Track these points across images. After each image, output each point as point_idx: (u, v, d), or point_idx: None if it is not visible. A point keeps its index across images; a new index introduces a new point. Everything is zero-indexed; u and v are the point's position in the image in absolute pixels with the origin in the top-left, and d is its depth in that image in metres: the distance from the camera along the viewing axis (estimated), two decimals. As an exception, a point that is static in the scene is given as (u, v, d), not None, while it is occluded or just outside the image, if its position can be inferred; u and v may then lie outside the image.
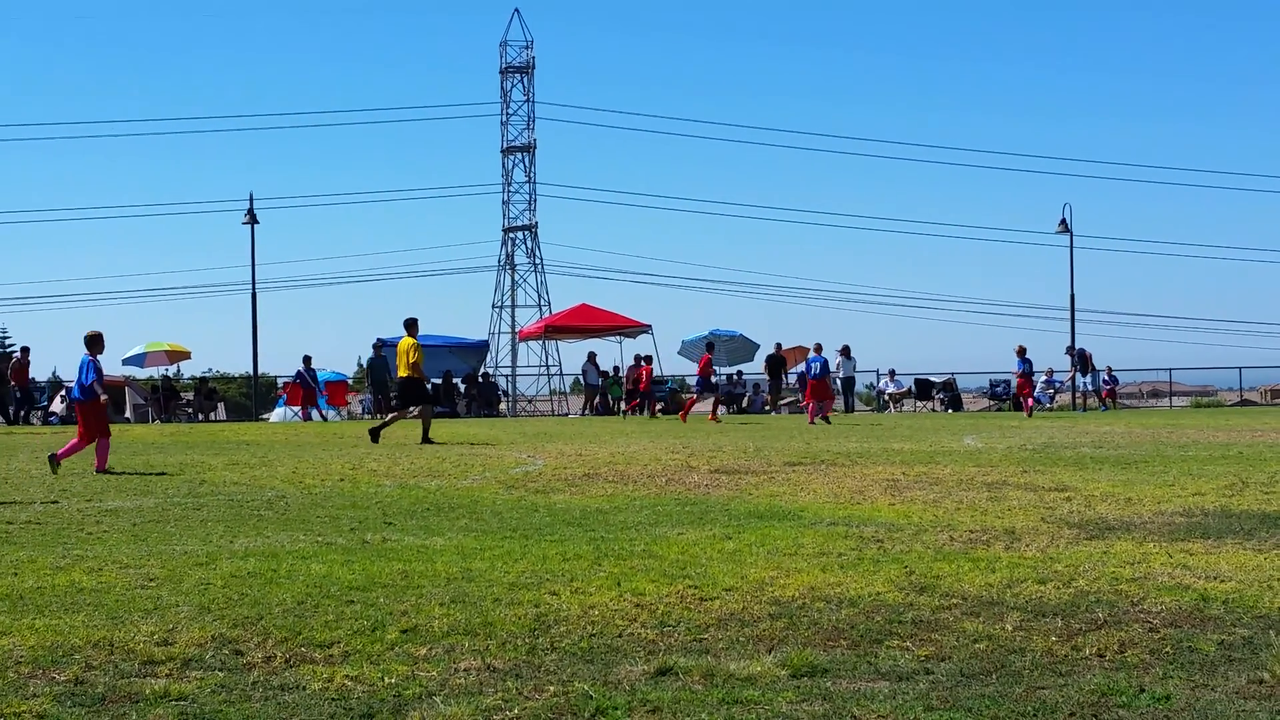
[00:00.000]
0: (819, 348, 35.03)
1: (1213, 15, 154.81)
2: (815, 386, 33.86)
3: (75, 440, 17.99)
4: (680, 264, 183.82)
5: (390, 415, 25.95)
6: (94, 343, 18.45)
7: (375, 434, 24.76)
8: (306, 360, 42.84)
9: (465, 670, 5.97)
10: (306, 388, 42.49)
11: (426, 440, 24.22)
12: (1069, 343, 48.68)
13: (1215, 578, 8.15)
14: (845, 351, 45.07)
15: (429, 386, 25.43)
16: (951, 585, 7.98)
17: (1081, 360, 47.63)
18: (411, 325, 24.76)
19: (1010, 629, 6.72)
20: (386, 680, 5.78)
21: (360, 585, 8.14)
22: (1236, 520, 11.05)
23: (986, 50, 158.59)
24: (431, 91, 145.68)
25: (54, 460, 17.03)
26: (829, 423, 32.29)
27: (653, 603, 7.52)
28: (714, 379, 38.78)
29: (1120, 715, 5.13)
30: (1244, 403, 55.72)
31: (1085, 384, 48.14)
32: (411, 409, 25.21)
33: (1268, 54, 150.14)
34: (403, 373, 24.91)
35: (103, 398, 18.01)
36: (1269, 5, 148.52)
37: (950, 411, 48.02)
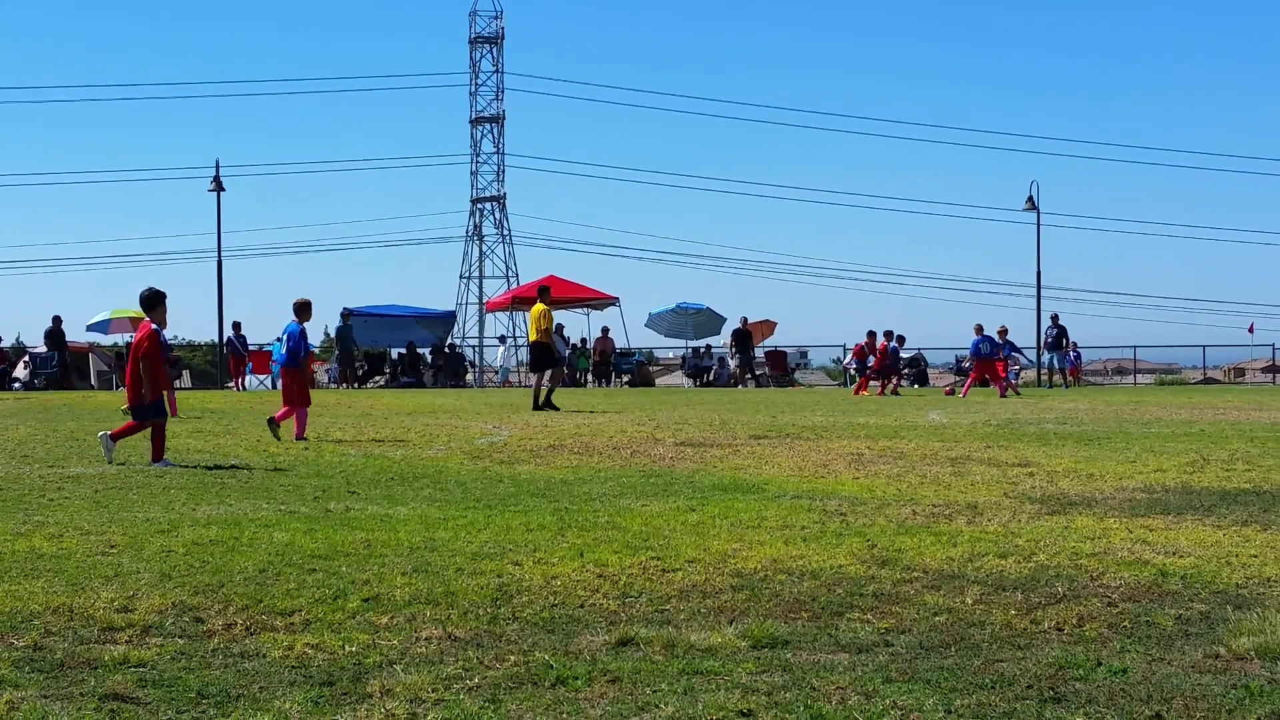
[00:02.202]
0: (979, 329, 35.34)
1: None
2: (981, 365, 34.29)
3: (285, 409, 18.00)
4: (648, 237, 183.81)
5: (536, 381, 25.90)
6: (304, 310, 18.73)
7: (538, 404, 24.74)
8: (236, 326, 41.98)
9: (426, 639, 5.96)
10: (237, 355, 41.65)
11: (548, 404, 24.32)
12: (1049, 317, 48.66)
13: (1174, 553, 8.21)
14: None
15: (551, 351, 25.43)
16: (913, 559, 8.02)
17: (1054, 334, 47.67)
18: (544, 292, 25.03)
19: (970, 602, 6.76)
20: (347, 648, 5.78)
21: (322, 554, 8.13)
22: (1197, 497, 11.13)
23: (956, 29, 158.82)
24: (400, 61, 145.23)
25: (273, 423, 17.43)
26: (1018, 394, 33.12)
27: (615, 574, 7.53)
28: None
29: (1077, 688, 5.16)
30: (1207, 380, 56.06)
31: (1053, 360, 48.28)
32: (547, 372, 25.49)
33: (1236, 35, 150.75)
34: (533, 337, 25.13)
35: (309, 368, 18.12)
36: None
37: (916, 386, 48.14)
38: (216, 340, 49.39)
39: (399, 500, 10.90)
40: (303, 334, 18.56)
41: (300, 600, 6.76)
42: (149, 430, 14.17)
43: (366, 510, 10.23)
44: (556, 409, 24.21)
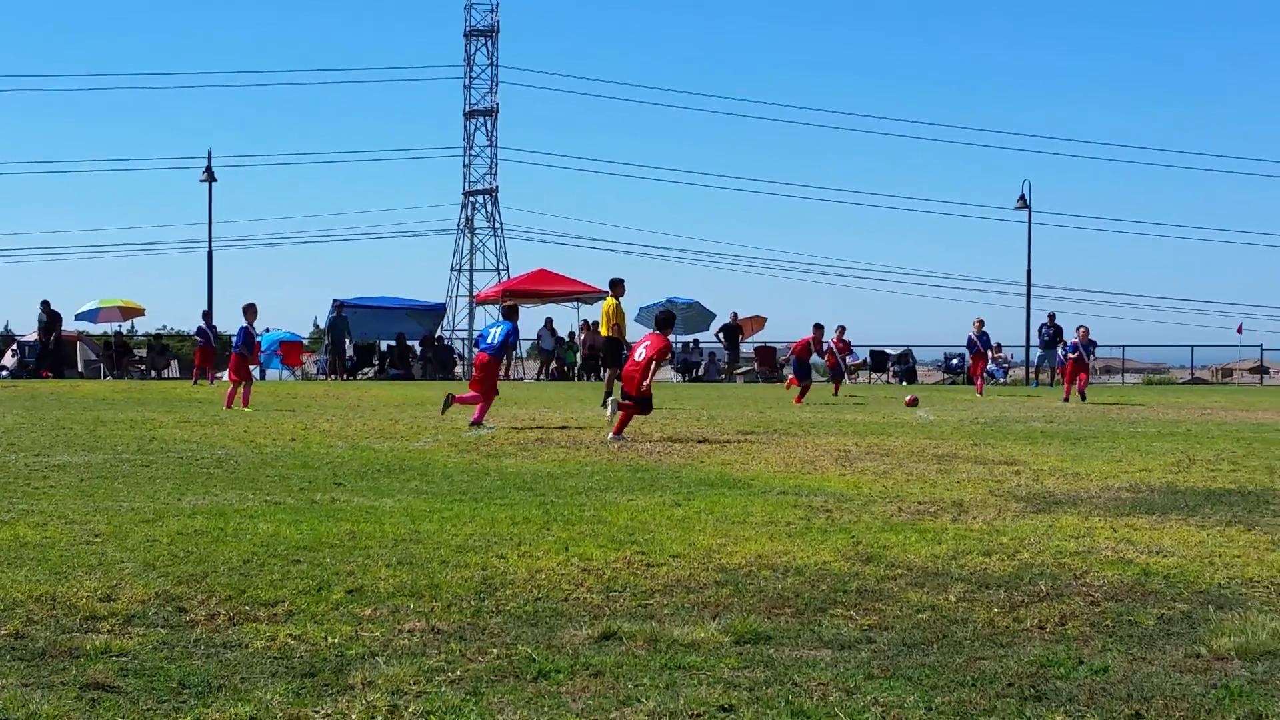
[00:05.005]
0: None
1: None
2: (1073, 365, 32.25)
3: (473, 396, 19.11)
4: (639, 231, 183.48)
5: (607, 375, 25.92)
6: (513, 312, 20.41)
7: (609, 400, 24.75)
8: (206, 316, 40.37)
9: (409, 631, 5.96)
10: (207, 347, 40.26)
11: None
12: (1046, 315, 48.60)
13: (1158, 553, 8.22)
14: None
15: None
16: (897, 556, 8.03)
17: (1050, 333, 47.71)
18: (616, 285, 24.95)
19: (954, 600, 6.77)
20: (330, 640, 5.78)
21: (307, 545, 8.12)
22: (1181, 497, 11.15)
23: (948, 26, 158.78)
24: (394, 54, 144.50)
25: (448, 401, 18.91)
26: (1084, 399, 31.13)
27: (600, 568, 7.53)
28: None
29: (1058, 686, 5.17)
30: (1195, 381, 56.14)
31: (1042, 359, 48.33)
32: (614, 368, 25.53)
33: (1226, 35, 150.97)
34: (604, 332, 25.18)
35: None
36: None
37: (904, 384, 48.19)
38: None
39: (385, 492, 10.89)
40: (515, 331, 19.68)
41: (284, 591, 6.76)
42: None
43: (352, 502, 10.23)
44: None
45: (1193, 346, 58.13)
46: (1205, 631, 6.06)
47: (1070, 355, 31.71)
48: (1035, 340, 48.83)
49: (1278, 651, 5.70)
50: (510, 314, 20.32)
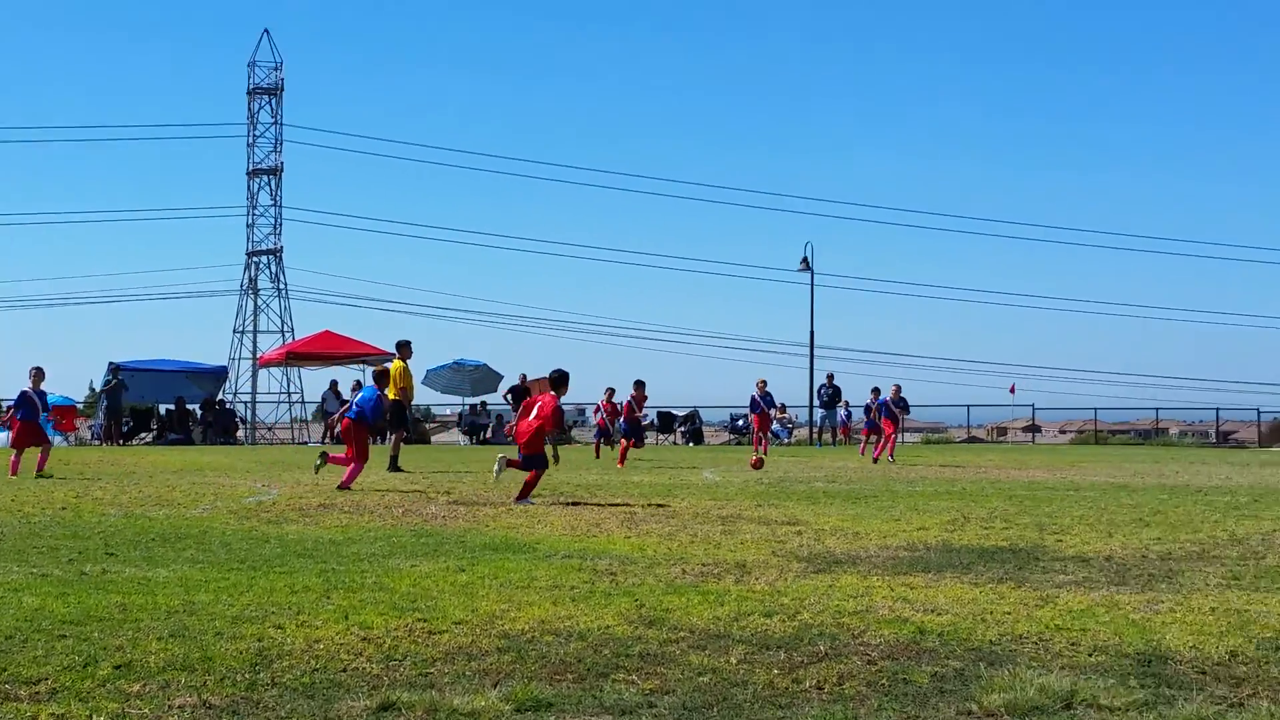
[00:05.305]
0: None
1: (944, 58, 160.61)
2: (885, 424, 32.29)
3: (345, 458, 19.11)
4: (427, 292, 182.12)
5: (395, 440, 25.61)
6: (383, 376, 20.57)
7: (395, 465, 24.14)
8: None
9: (180, 707, 5.78)
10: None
11: (395, 468, 23.81)
12: (825, 376, 49.52)
13: (933, 611, 8.40)
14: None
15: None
16: (680, 618, 8.06)
17: (830, 394, 48.65)
18: (403, 347, 24.64)
19: (735, 662, 6.81)
20: (95, 718, 5.57)
21: (74, 619, 7.83)
22: (956, 555, 11.42)
23: (728, 87, 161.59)
24: (177, 111, 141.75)
25: (322, 459, 19.24)
26: (892, 459, 31.25)
27: (380, 636, 7.41)
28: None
29: (835, 747, 5.23)
30: (971, 439, 57.75)
31: (824, 419, 49.26)
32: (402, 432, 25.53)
33: (996, 96, 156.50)
34: (391, 395, 24.64)
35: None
36: (994, 47, 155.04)
37: (691, 445, 48.64)
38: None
39: (159, 562, 10.58)
40: (381, 396, 19.81)
41: (48, 668, 6.50)
42: None
43: (124, 573, 9.90)
44: (403, 471, 23.84)
45: (969, 406, 59.80)
46: (977, 688, 6.20)
47: (882, 415, 32.19)
48: (817, 400, 49.73)
49: (1045, 707, 5.85)
50: (380, 379, 20.35)
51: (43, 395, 23.57)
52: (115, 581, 9.43)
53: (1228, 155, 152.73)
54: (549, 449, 17.23)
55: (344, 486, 18.59)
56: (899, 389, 32.69)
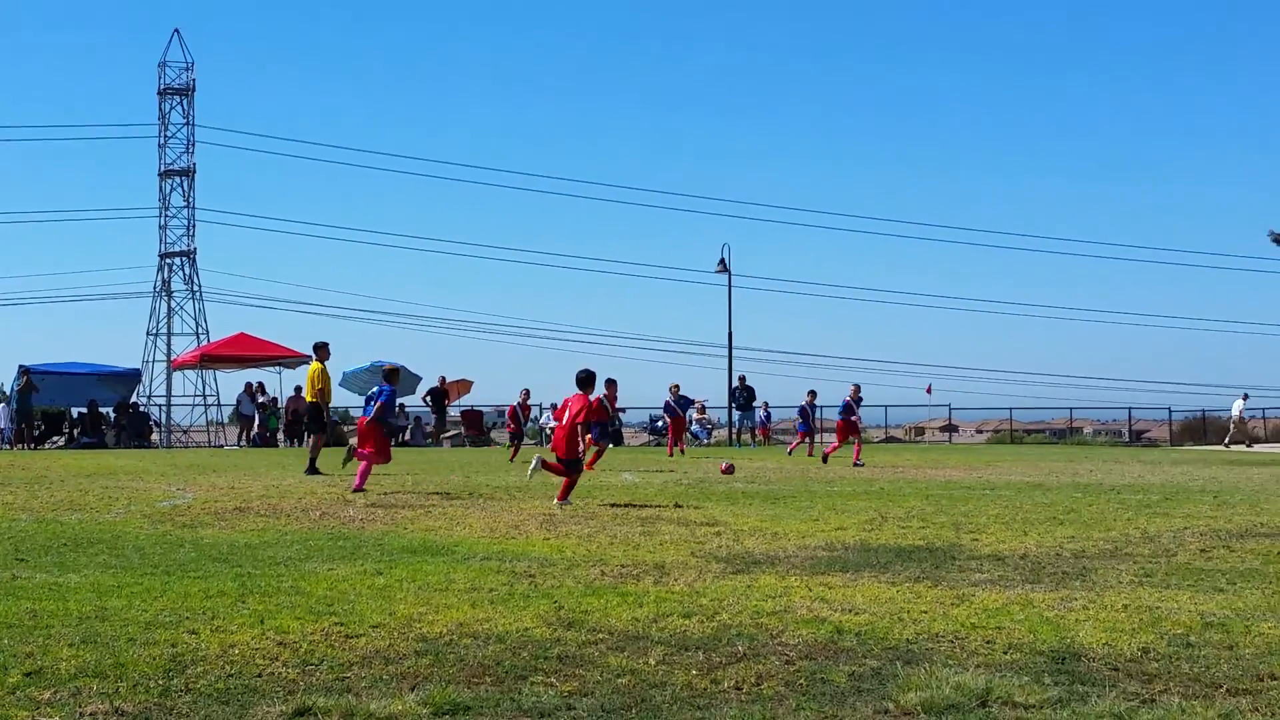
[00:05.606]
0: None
1: (856, 60, 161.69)
2: (842, 426, 31.69)
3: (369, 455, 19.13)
4: (343, 294, 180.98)
5: (313, 442, 25.08)
6: (393, 375, 20.41)
7: (313, 467, 23.74)
8: None
9: (91, 714, 5.71)
10: None
11: (313, 470, 23.45)
12: (736, 378, 49.72)
13: (850, 610, 8.44)
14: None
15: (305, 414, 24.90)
16: (599, 620, 8.05)
17: (744, 395, 48.82)
18: (320, 349, 24.42)
19: (653, 663, 6.81)
20: (4, 727, 5.48)
21: (-17, 626, 7.71)
22: (874, 554, 11.49)
23: (647, 89, 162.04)
24: (85, 111, 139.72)
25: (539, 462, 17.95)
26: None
27: (296, 641, 7.35)
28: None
29: (753, 747, 5.24)
30: (889, 440, 58.13)
31: (742, 420, 49.42)
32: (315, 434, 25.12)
33: (910, 103, 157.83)
34: (309, 397, 24.52)
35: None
36: (903, 51, 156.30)
37: (610, 446, 48.63)
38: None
39: (71, 567, 10.43)
40: (392, 393, 19.91)
41: (-45, 676, 6.39)
42: None
43: (34, 579, 9.75)
44: (321, 473, 23.52)
45: (886, 406, 60.20)
46: (894, 687, 6.24)
47: (840, 416, 31.49)
48: (734, 403, 49.87)
49: (961, 705, 5.90)
50: (390, 377, 20.24)
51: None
52: (25, 588, 9.29)
53: (1137, 156, 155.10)
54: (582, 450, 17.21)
55: (356, 489, 18.62)
56: (858, 388, 32.02)
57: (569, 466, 17.10)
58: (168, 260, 61.48)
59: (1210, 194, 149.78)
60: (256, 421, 46.89)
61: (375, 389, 19.92)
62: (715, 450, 42.33)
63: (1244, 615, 8.40)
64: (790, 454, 34.75)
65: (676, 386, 37.08)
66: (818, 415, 37.22)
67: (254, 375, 49.33)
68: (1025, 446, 50.18)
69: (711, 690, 6.24)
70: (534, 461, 17.28)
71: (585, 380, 17.60)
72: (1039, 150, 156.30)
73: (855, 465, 28.54)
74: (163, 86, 61.49)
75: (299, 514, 15.17)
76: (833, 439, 33.12)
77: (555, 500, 16.76)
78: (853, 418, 31.36)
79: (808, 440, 35.56)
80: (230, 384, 57.54)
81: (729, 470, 25.22)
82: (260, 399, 47.40)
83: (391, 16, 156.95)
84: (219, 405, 57.18)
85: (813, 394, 35.18)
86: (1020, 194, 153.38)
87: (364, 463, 19.07)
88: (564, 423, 17.24)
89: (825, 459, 30.30)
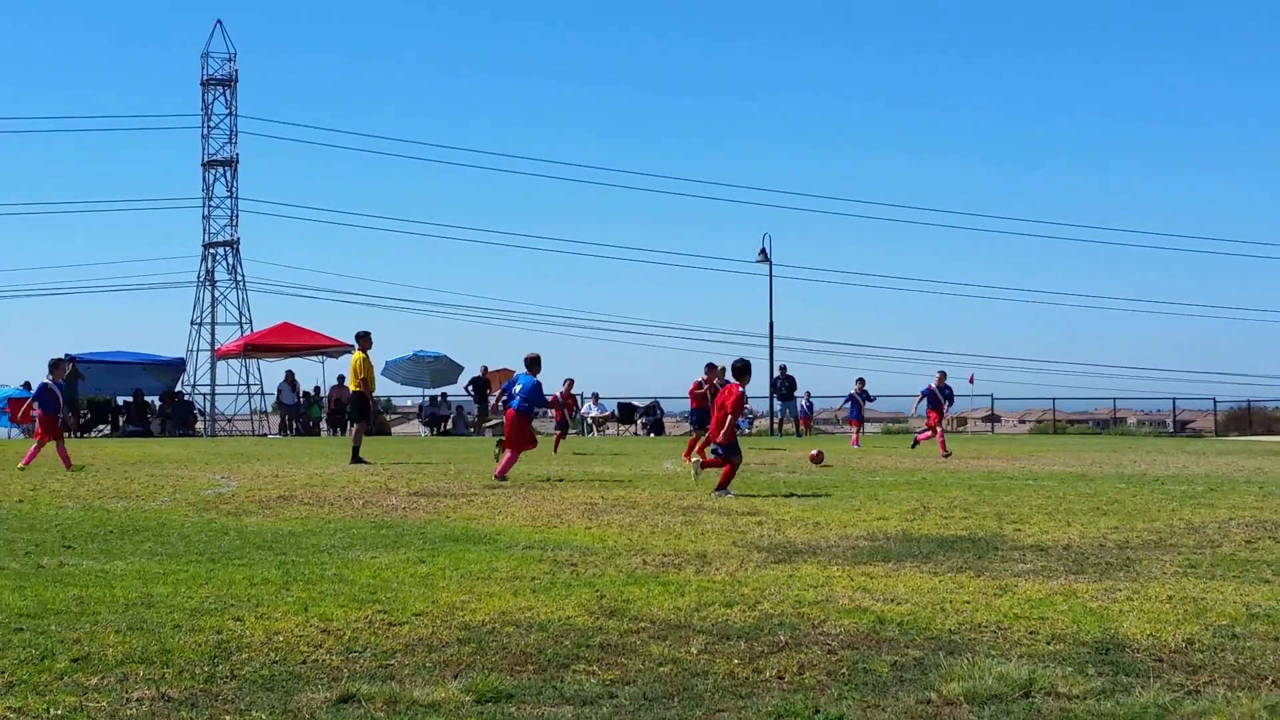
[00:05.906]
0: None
1: (900, 51, 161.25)
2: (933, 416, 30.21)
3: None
4: (385, 284, 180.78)
5: (355, 432, 25.18)
6: (534, 364, 20.02)
7: (357, 457, 23.94)
8: None
9: (138, 700, 5.75)
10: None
11: (357, 460, 23.64)
12: (778, 368, 49.57)
13: (892, 600, 8.43)
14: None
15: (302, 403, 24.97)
16: (641, 609, 8.06)
17: (786, 385, 48.75)
18: (363, 338, 24.51)
19: (695, 652, 6.82)
20: (52, 711, 5.54)
21: (31, 612, 7.78)
22: (916, 544, 11.46)
23: (691, 84, 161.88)
24: (130, 102, 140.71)
25: (698, 465, 18.13)
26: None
27: (340, 628, 7.39)
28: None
29: (795, 736, 5.24)
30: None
31: (783, 410, 49.36)
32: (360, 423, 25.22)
33: (962, 93, 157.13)
34: (352, 386, 24.65)
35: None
36: (949, 41, 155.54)
37: (652, 435, 48.66)
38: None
39: (117, 555, 10.52)
40: (537, 385, 19.94)
41: (4, 661, 6.46)
42: None
43: (81, 565, 9.84)
44: (366, 462, 23.64)
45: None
46: (936, 677, 6.23)
47: (930, 406, 30.13)
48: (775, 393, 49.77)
49: (1004, 695, 5.88)
50: (532, 366, 20.18)
51: (62, 388, 23.41)
52: (73, 574, 9.37)
53: (1186, 147, 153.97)
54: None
55: (499, 476, 19.01)
56: (944, 376, 30.46)
57: (727, 453, 17.21)
58: (211, 250, 61.76)
59: (1257, 182, 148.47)
60: (297, 410, 47.13)
61: (517, 379, 20.02)
62: (757, 441, 42.30)
63: (1290, 607, 8.33)
64: (916, 445, 32.22)
65: (719, 370, 36.69)
66: (868, 405, 36.84)
67: (296, 365, 49.57)
68: (1068, 437, 49.94)
69: (753, 679, 6.24)
70: (693, 465, 17.59)
71: (741, 370, 17.68)
72: (1082, 139, 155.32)
73: (943, 455, 28.28)
74: (205, 77, 61.74)
75: (342, 502, 15.25)
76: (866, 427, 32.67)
77: (714, 492, 16.78)
78: (942, 406, 30.20)
79: (859, 428, 35.45)
80: (272, 373, 57.77)
81: (818, 459, 24.70)
82: (305, 390, 47.63)
83: (433, 4, 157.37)
84: (262, 394, 57.51)
85: (861, 381, 34.96)
86: (1067, 185, 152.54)
87: (510, 452, 19.35)
88: (717, 414, 17.37)
89: (918, 444, 30.74)
